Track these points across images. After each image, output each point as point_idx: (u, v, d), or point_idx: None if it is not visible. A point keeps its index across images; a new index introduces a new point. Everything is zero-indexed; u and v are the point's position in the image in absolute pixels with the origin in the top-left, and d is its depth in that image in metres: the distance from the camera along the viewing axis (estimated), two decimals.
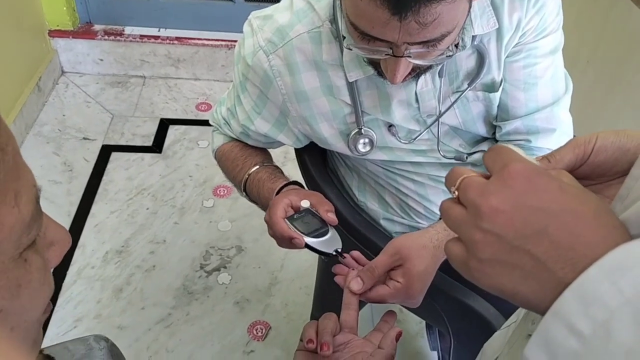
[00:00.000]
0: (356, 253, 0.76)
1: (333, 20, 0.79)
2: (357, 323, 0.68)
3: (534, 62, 0.83)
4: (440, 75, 0.82)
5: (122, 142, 2.14)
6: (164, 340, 1.53)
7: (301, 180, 0.96)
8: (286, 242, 0.75)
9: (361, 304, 0.71)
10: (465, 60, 0.83)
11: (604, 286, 0.30)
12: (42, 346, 0.44)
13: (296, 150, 1.03)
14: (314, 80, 0.83)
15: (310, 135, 0.91)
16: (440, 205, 0.40)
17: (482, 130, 0.90)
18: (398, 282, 0.74)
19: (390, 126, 0.87)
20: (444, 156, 0.91)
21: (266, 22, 0.82)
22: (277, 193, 0.84)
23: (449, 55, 0.70)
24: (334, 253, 0.73)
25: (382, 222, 1.04)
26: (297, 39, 0.81)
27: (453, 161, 0.92)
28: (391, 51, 0.67)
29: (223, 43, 2.38)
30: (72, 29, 2.32)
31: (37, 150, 2.05)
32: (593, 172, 0.43)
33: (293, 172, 1.01)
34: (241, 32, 0.86)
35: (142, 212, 1.87)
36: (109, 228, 1.81)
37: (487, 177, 0.37)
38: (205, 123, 2.17)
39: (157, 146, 2.13)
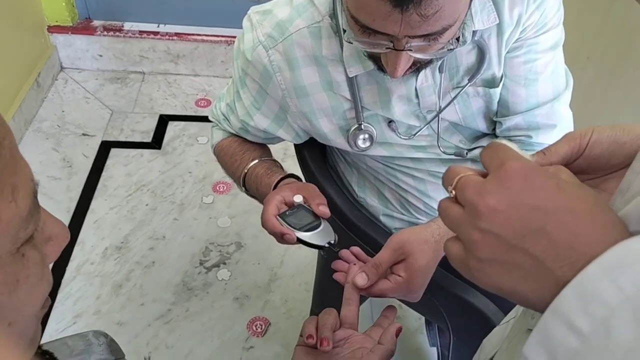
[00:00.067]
0: (356, 249, 0.76)
1: (333, 15, 0.79)
2: (357, 319, 0.68)
3: (535, 57, 0.83)
4: (440, 71, 0.82)
5: (122, 138, 2.13)
6: (164, 336, 1.53)
7: (301, 175, 0.96)
8: (279, 238, 0.75)
9: (361, 300, 0.71)
10: (466, 56, 0.82)
11: (604, 284, 0.29)
12: (41, 342, 0.44)
13: (296, 146, 1.03)
14: (313, 76, 0.83)
15: (310, 130, 0.90)
16: (439, 205, 0.40)
17: (482, 126, 0.90)
18: (400, 276, 0.74)
19: (390, 122, 0.87)
20: (443, 152, 0.91)
21: (266, 17, 0.82)
22: (274, 188, 0.84)
23: (450, 49, 0.70)
24: (327, 245, 0.73)
25: (382, 218, 1.04)
26: (297, 34, 0.80)
27: (453, 157, 0.92)
28: (392, 45, 0.67)
29: (222, 39, 2.37)
30: (71, 24, 2.31)
31: (36, 146, 2.04)
32: (589, 166, 0.43)
33: (293, 168, 1.00)
34: (241, 28, 0.85)
35: (142, 208, 1.87)
36: (108, 224, 1.81)
37: (485, 175, 0.37)
38: (204, 119, 2.16)
39: (156, 142, 2.13)
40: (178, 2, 2.35)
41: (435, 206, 0.98)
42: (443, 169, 0.94)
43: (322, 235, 0.73)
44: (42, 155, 2.01)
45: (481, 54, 0.82)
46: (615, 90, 1.59)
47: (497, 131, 0.91)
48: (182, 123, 2.23)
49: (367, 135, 0.87)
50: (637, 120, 1.45)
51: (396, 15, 0.61)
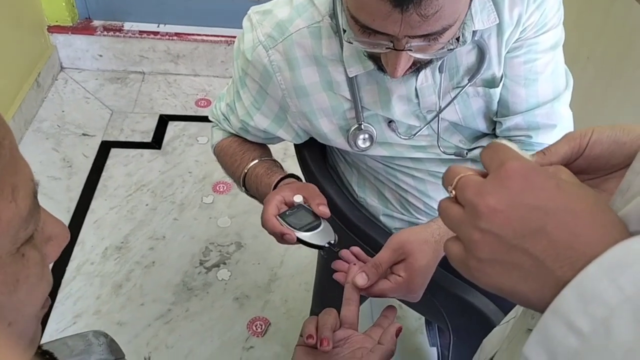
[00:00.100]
0: (356, 249, 0.76)
1: (333, 15, 0.79)
2: (357, 319, 0.68)
3: (535, 57, 0.83)
4: (440, 71, 0.82)
5: (122, 138, 2.13)
6: (164, 336, 1.53)
7: (301, 175, 0.96)
8: (279, 238, 0.75)
9: (361, 300, 0.71)
10: (466, 56, 0.82)
11: (604, 284, 0.29)
12: (41, 342, 0.44)
13: (296, 146, 1.03)
14: (313, 76, 0.83)
15: (310, 130, 0.90)
16: (439, 205, 0.40)
17: (482, 126, 0.90)
18: (400, 276, 0.74)
19: (390, 122, 0.87)
20: (443, 152, 0.91)
21: (266, 17, 0.82)
22: (274, 188, 0.84)
23: (450, 49, 0.70)
24: (327, 245, 0.73)
25: (382, 218, 1.04)
26: (297, 34, 0.80)
27: (453, 157, 0.92)
28: (392, 45, 0.67)
29: (222, 39, 2.37)
30: (71, 24, 2.31)
31: (36, 146, 2.04)
32: (589, 166, 0.43)
33: (293, 168, 1.00)
34: (241, 27, 0.85)
35: (142, 208, 1.87)
36: (108, 224, 1.81)
37: (485, 175, 0.37)
38: (204, 119, 2.16)
39: (156, 142, 2.13)
40: (178, 2, 2.35)
41: (435, 206, 0.97)
42: (443, 169, 0.94)
43: (322, 235, 0.73)
44: (42, 155, 2.01)
45: (481, 54, 0.82)
46: (615, 91, 1.59)
47: (497, 131, 0.91)
48: (182, 123, 2.23)
49: (367, 135, 0.87)
50: (637, 120, 1.45)
51: (396, 15, 0.61)
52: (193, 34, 2.36)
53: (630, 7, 1.51)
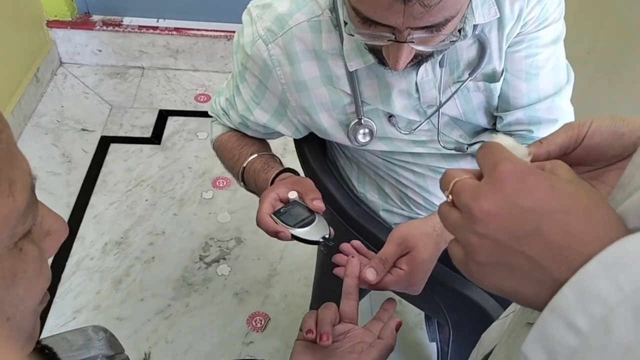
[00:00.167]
0: (357, 242, 0.76)
1: (333, 9, 0.79)
2: (357, 313, 0.68)
3: (536, 52, 0.83)
4: (440, 65, 0.82)
5: (121, 134, 2.13)
6: (164, 331, 1.53)
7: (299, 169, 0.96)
8: (274, 236, 0.75)
9: (361, 294, 0.71)
10: (466, 50, 0.82)
11: (603, 282, 0.29)
12: (41, 337, 0.44)
13: (295, 141, 1.02)
14: (313, 70, 0.82)
15: (310, 125, 0.90)
16: (438, 209, 0.40)
17: (482, 121, 0.90)
18: (401, 269, 0.74)
19: (390, 116, 0.87)
20: (444, 147, 0.90)
21: (265, 10, 0.82)
22: (272, 183, 0.84)
23: (452, 42, 0.70)
24: (322, 240, 0.72)
25: (382, 213, 1.03)
26: (297, 28, 0.80)
27: (453, 152, 0.92)
28: (394, 37, 0.66)
29: (222, 34, 2.36)
30: (70, 19, 2.31)
31: (35, 141, 2.04)
32: (588, 156, 0.43)
33: (292, 163, 1.00)
34: (240, 22, 0.85)
35: (141, 204, 1.87)
36: (108, 219, 1.81)
37: (481, 176, 0.37)
38: (204, 114, 2.16)
39: (156, 137, 2.13)
40: None
41: (435, 201, 0.98)
42: (443, 164, 0.94)
43: (316, 230, 0.73)
44: (42, 151, 2.01)
45: (482, 49, 0.81)
46: (616, 85, 1.59)
47: (498, 126, 0.90)
48: (182, 118, 2.22)
49: (367, 130, 0.87)
50: (638, 114, 1.45)
51: (398, 6, 0.61)
52: (192, 29, 2.35)
53: (631, 1, 1.51)
